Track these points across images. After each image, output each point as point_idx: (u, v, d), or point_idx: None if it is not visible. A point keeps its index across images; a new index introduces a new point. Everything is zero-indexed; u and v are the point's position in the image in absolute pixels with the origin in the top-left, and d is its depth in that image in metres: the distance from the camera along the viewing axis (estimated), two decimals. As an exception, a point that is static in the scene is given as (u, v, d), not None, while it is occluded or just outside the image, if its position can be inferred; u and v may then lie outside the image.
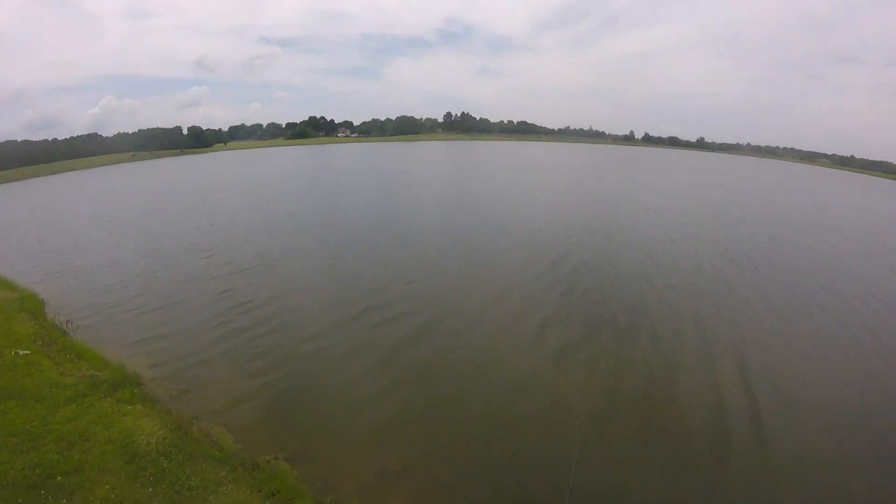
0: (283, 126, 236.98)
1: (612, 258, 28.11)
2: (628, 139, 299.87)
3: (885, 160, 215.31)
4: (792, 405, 14.18)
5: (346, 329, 18.85)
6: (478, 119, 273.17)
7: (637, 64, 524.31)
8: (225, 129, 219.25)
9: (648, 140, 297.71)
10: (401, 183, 66.92)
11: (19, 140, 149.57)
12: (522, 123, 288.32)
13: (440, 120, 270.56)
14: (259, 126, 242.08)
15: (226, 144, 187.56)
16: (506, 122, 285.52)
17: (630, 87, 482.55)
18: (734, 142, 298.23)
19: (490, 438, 12.37)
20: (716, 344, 17.84)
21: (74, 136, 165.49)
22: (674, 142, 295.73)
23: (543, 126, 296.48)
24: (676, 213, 44.29)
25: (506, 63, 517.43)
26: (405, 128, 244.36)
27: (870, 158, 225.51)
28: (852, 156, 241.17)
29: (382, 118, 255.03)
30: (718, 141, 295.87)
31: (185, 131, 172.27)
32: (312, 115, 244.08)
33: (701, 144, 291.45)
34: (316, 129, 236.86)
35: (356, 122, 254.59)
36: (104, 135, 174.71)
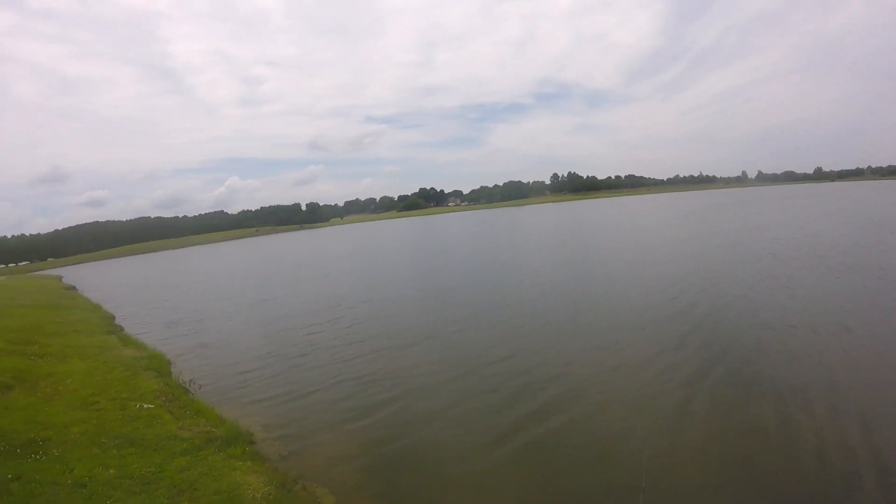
0: (395, 199, 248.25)
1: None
2: (741, 180, 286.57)
3: None
4: None
5: (463, 400, 17.72)
6: (584, 177, 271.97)
7: (737, 99, 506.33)
8: (340, 203, 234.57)
9: (762, 178, 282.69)
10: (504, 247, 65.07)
11: (152, 217, 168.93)
12: (630, 177, 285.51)
13: (547, 181, 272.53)
14: (373, 200, 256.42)
15: (342, 218, 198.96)
16: (613, 177, 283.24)
17: (734, 125, 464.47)
18: (853, 167, 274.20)
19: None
20: None
21: (203, 213, 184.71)
22: (790, 176, 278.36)
23: (652, 178, 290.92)
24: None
25: (604, 117, 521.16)
26: (513, 192, 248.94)
27: None
28: None
29: (490, 185, 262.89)
30: (837, 168, 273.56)
31: (303, 207, 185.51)
32: (423, 186, 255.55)
33: (819, 175, 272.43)
34: (426, 200, 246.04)
35: (465, 191, 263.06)
36: (229, 212, 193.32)
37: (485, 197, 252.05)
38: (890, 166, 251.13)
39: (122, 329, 31.30)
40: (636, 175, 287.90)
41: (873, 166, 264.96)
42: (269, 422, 16.59)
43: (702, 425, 14.01)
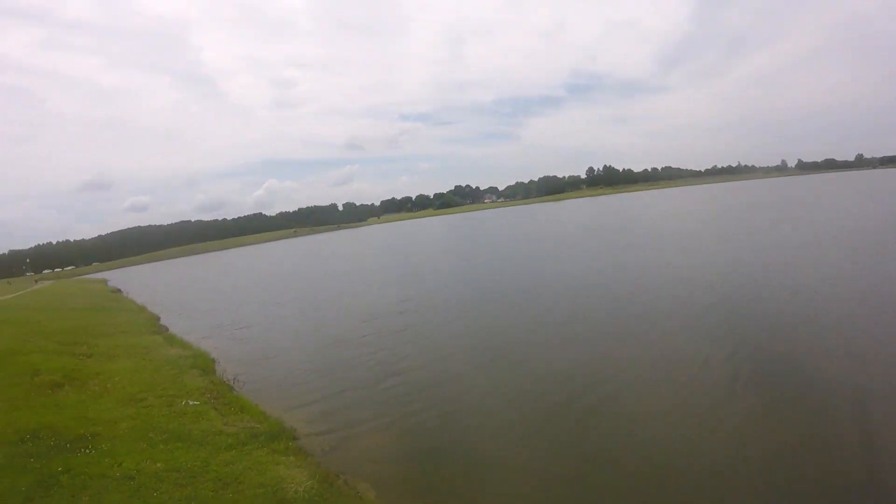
0: (431, 196, 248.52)
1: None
2: (781, 169, 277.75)
3: None
4: None
5: (506, 397, 17.53)
6: (620, 170, 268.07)
7: (774, 84, 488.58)
8: (377, 203, 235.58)
9: (803, 167, 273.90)
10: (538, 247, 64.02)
11: (193, 220, 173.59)
12: (667, 169, 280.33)
13: (582, 175, 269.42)
14: (409, 198, 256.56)
15: (379, 218, 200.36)
16: (650, 169, 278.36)
17: (771, 113, 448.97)
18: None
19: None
20: None
21: (242, 215, 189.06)
22: (830, 164, 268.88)
23: (689, 168, 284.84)
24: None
25: (638, 107, 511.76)
26: (549, 187, 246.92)
27: None
28: None
29: (525, 180, 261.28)
30: (879, 155, 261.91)
31: (340, 207, 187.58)
32: (458, 183, 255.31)
33: (861, 162, 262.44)
34: (462, 197, 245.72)
35: (500, 187, 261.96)
36: (267, 213, 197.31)
37: (520, 192, 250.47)
38: None
39: (167, 329, 32.21)
40: (673, 167, 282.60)
41: None
42: (312, 418, 16.79)
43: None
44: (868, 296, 23.20)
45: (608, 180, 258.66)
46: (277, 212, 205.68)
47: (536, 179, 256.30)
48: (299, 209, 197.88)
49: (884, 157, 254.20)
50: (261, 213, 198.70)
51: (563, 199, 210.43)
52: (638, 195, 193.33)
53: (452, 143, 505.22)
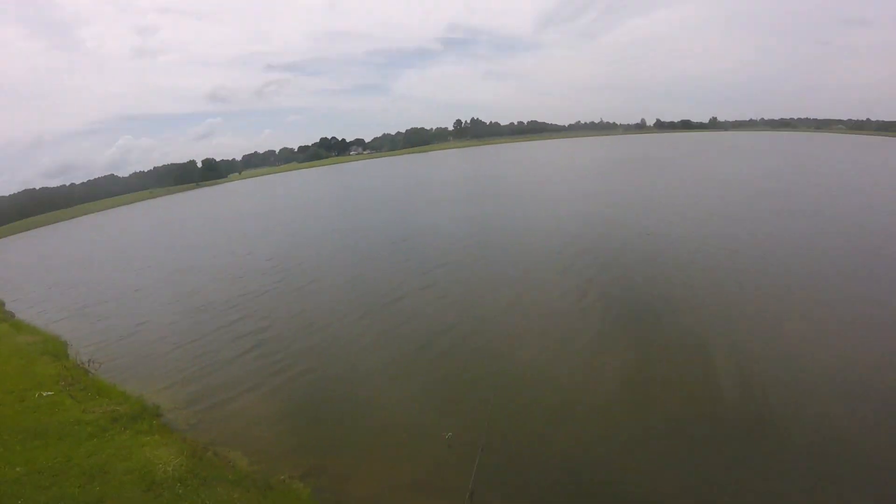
0: (296, 150, 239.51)
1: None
2: (640, 127, 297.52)
3: None
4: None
5: (376, 346, 19.04)
6: (487, 123, 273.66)
7: (643, 50, 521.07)
8: (239, 158, 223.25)
9: (661, 126, 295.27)
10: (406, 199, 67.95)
11: (37, 188, 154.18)
12: (533, 123, 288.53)
13: (450, 128, 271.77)
14: (272, 152, 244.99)
15: (240, 174, 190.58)
16: (516, 123, 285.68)
17: (638, 75, 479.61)
18: (747, 118, 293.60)
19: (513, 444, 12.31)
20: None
21: (93, 178, 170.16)
22: (686, 125, 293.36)
23: (554, 123, 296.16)
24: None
25: (512, 64, 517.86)
26: (415, 140, 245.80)
27: (886, 119, 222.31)
28: (867, 119, 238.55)
29: (393, 132, 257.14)
30: (731, 119, 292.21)
31: (199, 164, 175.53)
32: (324, 136, 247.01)
33: (714, 125, 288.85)
34: (328, 150, 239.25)
35: (367, 139, 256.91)
36: (121, 175, 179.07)
37: (387, 145, 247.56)
38: (781, 119, 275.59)
39: (13, 315, 29.09)
40: (538, 121, 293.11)
41: (765, 118, 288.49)
42: (176, 393, 16.76)
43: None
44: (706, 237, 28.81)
45: (475, 132, 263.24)
46: (132, 172, 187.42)
47: (404, 131, 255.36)
48: (154, 168, 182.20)
49: (735, 120, 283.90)
50: (113, 175, 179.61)
51: (429, 151, 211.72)
52: (502, 147, 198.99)
53: (322, 95, 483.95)
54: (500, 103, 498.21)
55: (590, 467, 11.25)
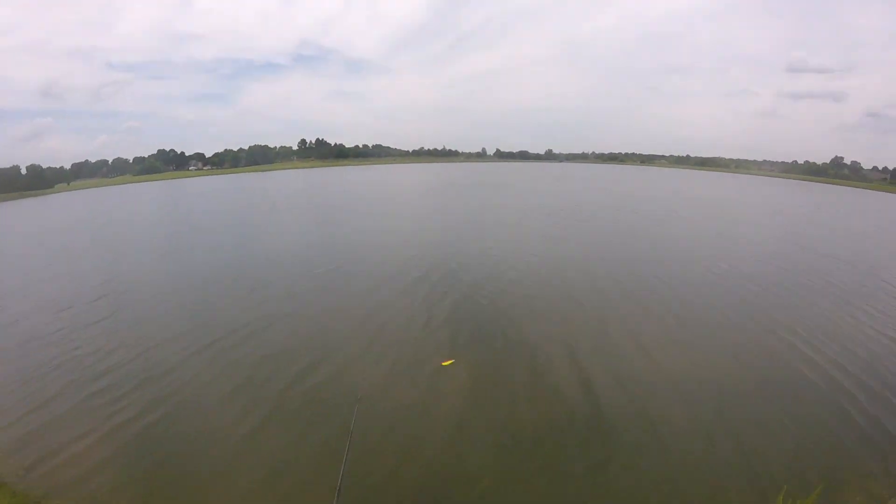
0: (131, 161, 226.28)
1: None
2: (481, 155, 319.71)
3: (716, 156, 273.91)
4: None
5: (222, 383, 18.37)
6: (332, 145, 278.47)
7: (488, 81, 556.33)
8: (68, 166, 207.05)
9: (500, 155, 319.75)
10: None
11: None
12: (377, 146, 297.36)
13: (294, 147, 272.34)
14: (105, 162, 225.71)
15: (69, 184, 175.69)
16: (360, 145, 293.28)
17: (481, 105, 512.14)
18: (580, 151, 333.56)
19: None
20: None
21: None
22: (524, 155, 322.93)
23: (398, 148, 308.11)
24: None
25: (362, 85, 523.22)
26: (259, 157, 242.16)
27: (703, 156, 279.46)
28: (687, 155, 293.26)
29: (235, 148, 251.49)
30: (566, 152, 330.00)
31: (23, 170, 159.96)
32: (163, 147, 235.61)
33: (549, 156, 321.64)
34: (166, 163, 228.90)
35: (208, 154, 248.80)
36: None
37: (229, 160, 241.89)
38: (611, 153, 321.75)
39: None
40: (383, 145, 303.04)
41: (596, 152, 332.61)
42: (1, 439, 15.06)
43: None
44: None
45: (319, 153, 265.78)
46: None
47: (247, 147, 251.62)
48: None
49: (569, 153, 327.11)
50: None
51: (271, 170, 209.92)
52: (348, 169, 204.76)
53: (163, 101, 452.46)
54: (348, 125, 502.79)
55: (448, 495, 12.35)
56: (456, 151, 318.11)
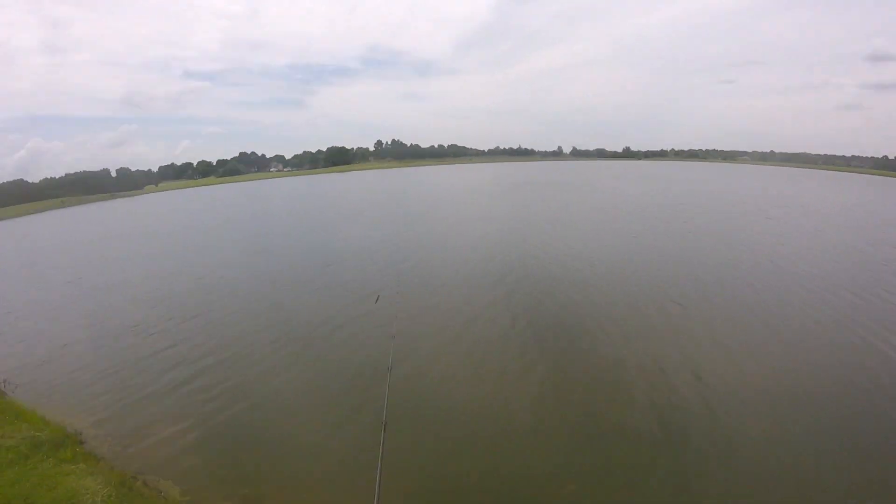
0: (214, 164, 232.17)
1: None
2: (557, 154, 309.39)
3: (801, 152, 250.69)
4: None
5: (293, 367, 19.22)
6: (408, 145, 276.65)
7: (557, 79, 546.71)
8: (154, 168, 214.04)
9: (577, 154, 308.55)
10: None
11: None
12: (453, 146, 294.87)
13: (371, 148, 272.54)
14: (190, 165, 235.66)
15: (157, 185, 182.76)
16: (436, 146, 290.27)
17: (552, 103, 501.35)
18: (658, 149, 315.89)
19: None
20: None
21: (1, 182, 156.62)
22: (601, 153, 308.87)
23: (474, 147, 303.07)
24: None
25: (431, 86, 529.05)
26: (337, 158, 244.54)
27: (788, 152, 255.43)
28: (771, 151, 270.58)
29: (313, 150, 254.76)
30: (643, 149, 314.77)
31: (113, 173, 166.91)
32: (243, 150, 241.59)
33: (627, 154, 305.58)
34: (248, 165, 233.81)
35: (287, 156, 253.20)
36: (31, 180, 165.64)
37: (308, 162, 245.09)
38: (690, 150, 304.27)
39: None
40: (459, 145, 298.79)
41: (676, 149, 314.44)
42: (100, 418, 16.12)
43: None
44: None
45: (395, 154, 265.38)
46: (42, 177, 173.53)
47: (325, 149, 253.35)
48: (66, 175, 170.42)
49: (647, 150, 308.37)
50: (22, 180, 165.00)
51: (350, 170, 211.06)
52: (423, 170, 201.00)
53: (240, 107, 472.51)
54: (419, 126, 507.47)
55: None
56: (532, 150, 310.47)
